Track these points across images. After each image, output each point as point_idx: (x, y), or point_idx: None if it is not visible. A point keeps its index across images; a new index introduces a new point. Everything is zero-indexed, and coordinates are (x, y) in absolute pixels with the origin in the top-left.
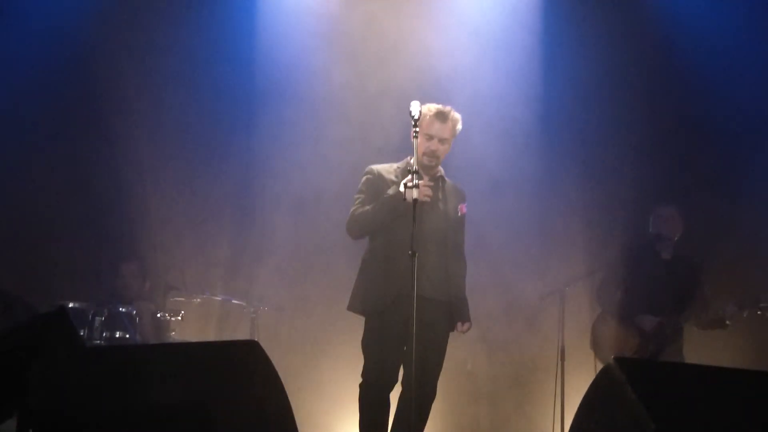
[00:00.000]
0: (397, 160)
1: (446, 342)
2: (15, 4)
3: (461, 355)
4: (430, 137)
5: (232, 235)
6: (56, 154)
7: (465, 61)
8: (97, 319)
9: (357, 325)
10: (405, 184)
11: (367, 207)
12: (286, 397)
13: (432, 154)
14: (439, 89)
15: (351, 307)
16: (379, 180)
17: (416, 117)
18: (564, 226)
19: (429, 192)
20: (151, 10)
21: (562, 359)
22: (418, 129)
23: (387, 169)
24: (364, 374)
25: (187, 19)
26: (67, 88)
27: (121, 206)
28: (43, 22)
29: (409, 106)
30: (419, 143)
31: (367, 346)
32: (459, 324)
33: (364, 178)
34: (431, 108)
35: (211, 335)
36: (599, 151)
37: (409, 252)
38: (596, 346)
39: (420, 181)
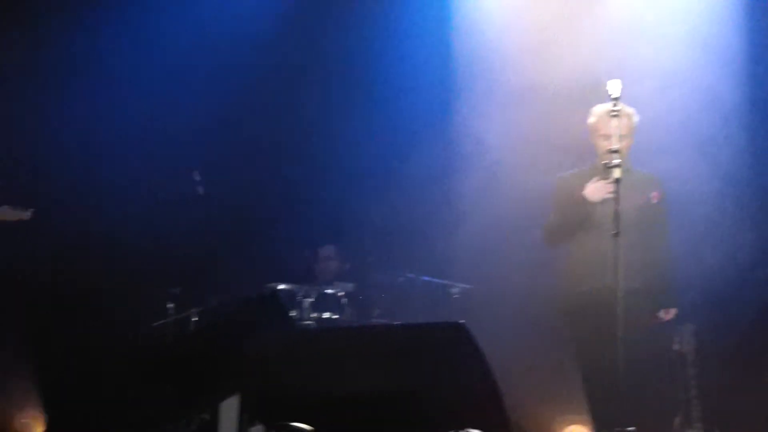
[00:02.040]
0: (581, 156)
1: (646, 328)
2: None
3: (668, 335)
4: (607, 137)
5: (435, 213)
6: (263, 146)
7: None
8: (306, 300)
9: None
10: (606, 165)
11: (556, 218)
12: (495, 382)
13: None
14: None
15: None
16: (567, 190)
17: (616, 96)
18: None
19: (610, 188)
20: (335, 11)
21: None
22: (618, 108)
23: (575, 175)
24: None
25: (375, 19)
26: (261, 80)
27: (323, 190)
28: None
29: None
30: (598, 145)
31: (579, 344)
32: (662, 311)
33: (554, 191)
34: (603, 107)
35: (414, 316)
36: None
37: (612, 233)
38: None
39: (601, 181)
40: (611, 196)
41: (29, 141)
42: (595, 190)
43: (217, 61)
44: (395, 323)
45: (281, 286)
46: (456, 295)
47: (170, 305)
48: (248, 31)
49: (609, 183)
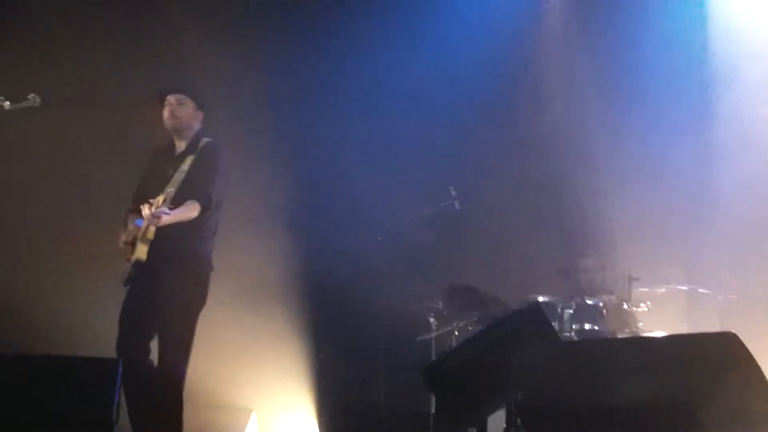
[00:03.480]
0: None
1: None
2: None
3: None
4: None
5: (691, 223)
6: (514, 154)
7: None
8: (566, 312)
9: None
10: None
11: None
12: None
13: None
14: None
15: None
16: None
17: None
18: None
19: None
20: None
21: None
22: None
23: None
24: None
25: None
26: (509, 97)
27: (582, 202)
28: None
29: None
30: None
31: None
32: None
33: None
34: None
35: (678, 327)
36: None
37: None
38: None
39: None
40: None
41: (306, 157)
42: None
43: (469, 81)
44: (661, 334)
45: (541, 298)
46: (719, 305)
47: (432, 320)
48: (494, 52)
49: None
